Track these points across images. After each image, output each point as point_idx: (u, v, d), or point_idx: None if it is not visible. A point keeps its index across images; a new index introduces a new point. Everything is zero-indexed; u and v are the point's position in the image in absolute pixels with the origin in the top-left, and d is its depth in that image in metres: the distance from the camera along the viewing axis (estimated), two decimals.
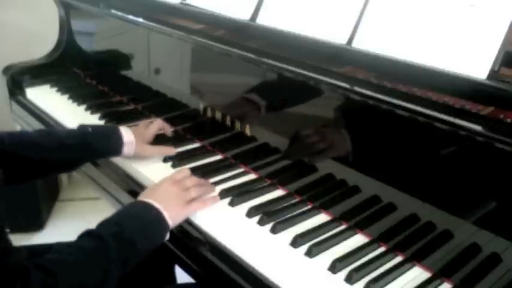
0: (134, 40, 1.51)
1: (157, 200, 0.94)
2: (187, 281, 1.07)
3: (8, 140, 1.03)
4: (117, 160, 1.21)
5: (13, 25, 2.17)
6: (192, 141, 1.30)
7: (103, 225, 0.87)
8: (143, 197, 0.96)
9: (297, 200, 1.05)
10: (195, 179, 1.04)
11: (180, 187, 0.99)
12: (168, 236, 0.93)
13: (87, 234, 0.85)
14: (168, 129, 1.30)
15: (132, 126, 1.23)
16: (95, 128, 1.16)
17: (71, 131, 1.17)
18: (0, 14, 2.14)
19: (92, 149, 1.11)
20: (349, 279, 0.83)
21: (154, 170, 1.16)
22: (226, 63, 1.20)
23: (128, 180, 1.17)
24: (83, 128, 1.14)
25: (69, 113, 1.49)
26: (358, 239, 0.94)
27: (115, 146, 1.14)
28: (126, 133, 1.15)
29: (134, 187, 1.14)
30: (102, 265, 0.81)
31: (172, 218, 0.93)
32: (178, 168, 1.15)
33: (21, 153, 1.02)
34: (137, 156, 1.18)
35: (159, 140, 1.25)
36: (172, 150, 1.21)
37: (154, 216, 0.91)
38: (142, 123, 1.28)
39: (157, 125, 1.26)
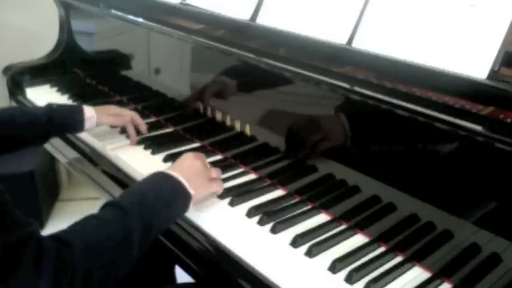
0: (134, 40, 1.51)
1: (180, 172, 0.93)
2: (187, 281, 1.07)
3: None
4: (116, 160, 1.21)
5: (13, 25, 2.16)
6: (192, 141, 1.30)
7: (124, 195, 0.87)
8: (167, 170, 0.95)
9: (297, 200, 1.05)
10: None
11: (203, 163, 1.00)
12: (191, 206, 0.93)
13: (108, 204, 0.83)
14: (143, 127, 1.31)
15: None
16: (60, 105, 1.26)
17: (39, 108, 1.27)
18: (0, 14, 2.14)
19: (56, 123, 1.20)
20: (349, 279, 0.83)
21: (154, 169, 1.15)
22: (226, 63, 1.20)
23: (129, 180, 1.17)
24: (49, 105, 1.23)
25: None
26: (358, 239, 0.94)
27: (76, 120, 1.22)
28: (88, 109, 1.25)
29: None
30: (123, 234, 0.78)
31: (195, 190, 0.93)
32: None
33: None
34: (105, 134, 1.29)
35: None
36: (124, 120, 1.28)
37: (176, 187, 0.91)
38: (111, 107, 1.32)
39: (127, 117, 1.29)
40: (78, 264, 0.70)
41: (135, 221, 0.80)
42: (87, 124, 1.24)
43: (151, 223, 0.82)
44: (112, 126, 1.32)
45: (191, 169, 0.97)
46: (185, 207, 0.92)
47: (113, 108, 1.30)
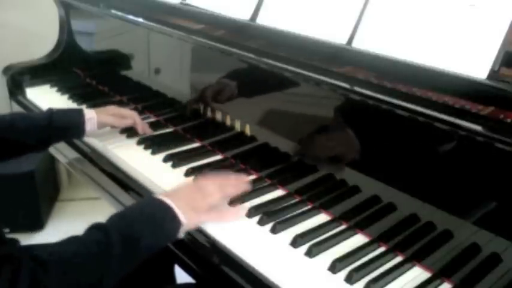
0: (134, 40, 1.52)
1: (174, 198, 0.91)
2: (187, 281, 1.07)
3: None
4: (116, 160, 1.21)
5: (13, 25, 2.16)
6: (192, 141, 1.30)
7: (111, 218, 0.86)
8: (161, 196, 0.93)
9: (297, 200, 1.05)
10: (217, 186, 0.98)
11: (201, 191, 0.96)
12: (181, 235, 0.90)
13: (94, 227, 0.83)
14: (148, 130, 1.32)
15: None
16: (60, 109, 1.25)
17: (41, 112, 1.28)
18: (0, 14, 2.14)
19: (56, 126, 1.19)
20: (349, 279, 0.83)
21: (153, 169, 1.16)
22: (226, 63, 1.20)
23: (128, 180, 1.17)
24: (49, 109, 1.23)
25: None
26: (358, 239, 0.94)
27: (77, 122, 1.22)
28: (88, 111, 1.25)
29: (133, 186, 1.14)
30: (101, 259, 0.78)
31: (187, 218, 0.89)
32: (180, 168, 1.16)
33: None
34: (107, 136, 1.28)
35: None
36: (125, 121, 1.29)
37: (165, 213, 0.88)
38: (116, 107, 1.32)
39: (130, 118, 1.30)
40: (52, 286, 0.71)
41: (116, 247, 0.79)
42: (88, 126, 1.23)
43: (134, 247, 0.82)
44: (113, 127, 1.32)
45: (185, 196, 0.93)
46: (174, 233, 0.89)
47: (113, 108, 1.30)
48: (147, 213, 0.88)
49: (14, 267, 0.68)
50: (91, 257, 0.78)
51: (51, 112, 1.21)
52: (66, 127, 1.22)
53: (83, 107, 1.50)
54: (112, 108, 1.30)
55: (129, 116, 1.30)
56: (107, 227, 0.82)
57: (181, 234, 0.90)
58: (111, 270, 0.79)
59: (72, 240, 0.80)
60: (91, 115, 1.24)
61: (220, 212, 0.98)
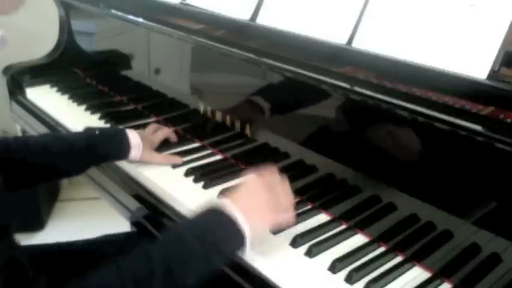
0: (134, 40, 1.51)
1: (242, 209, 0.76)
2: None
3: (14, 145, 1.00)
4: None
5: (13, 25, 2.16)
6: (192, 141, 1.30)
7: (160, 243, 0.75)
8: (228, 204, 0.77)
9: (297, 200, 1.05)
10: (286, 183, 0.87)
11: (272, 192, 0.82)
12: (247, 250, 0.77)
13: (142, 253, 0.72)
14: (174, 137, 1.28)
15: (138, 129, 1.20)
16: (101, 130, 1.13)
17: (77, 134, 1.13)
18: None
19: (98, 153, 1.08)
20: (349, 279, 0.83)
21: (153, 168, 1.16)
22: (226, 63, 1.20)
23: (129, 181, 1.17)
24: (89, 131, 1.11)
25: (69, 113, 1.49)
26: (358, 239, 0.94)
27: (121, 149, 1.10)
28: (133, 136, 1.12)
29: (133, 185, 1.15)
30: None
31: (253, 227, 0.77)
32: (180, 168, 1.15)
33: (28, 159, 0.99)
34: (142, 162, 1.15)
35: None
36: (179, 160, 1.17)
37: (229, 235, 0.75)
38: (149, 127, 1.26)
39: (164, 132, 1.25)
40: None
41: (159, 280, 0.69)
42: (132, 153, 1.10)
43: (179, 279, 0.71)
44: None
45: (255, 203, 0.79)
46: (235, 251, 0.77)
47: (156, 138, 1.20)
48: (200, 236, 0.75)
49: None
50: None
51: (91, 134, 1.09)
52: (109, 153, 1.10)
53: (83, 107, 1.51)
54: (157, 137, 1.21)
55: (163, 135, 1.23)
56: (150, 255, 0.71)
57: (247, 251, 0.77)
58: None
59: (109, 272, 0.70)
60: (137, 141, 1.11)
61: (290, 213, 0.86)
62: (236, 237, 0.76)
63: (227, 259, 0.78)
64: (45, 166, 1.02)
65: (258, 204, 0.80)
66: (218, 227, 0.76)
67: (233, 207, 0.77)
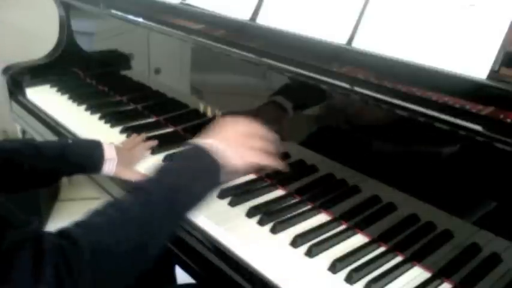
0: (134, 40, 1.51)
1: (210, 137, 0.83)
2: (187, 281, 1.07)
3: None
4: None
5: (13, 25, 2.16)
6: None
7: (149, 177, 0.79)
8: (202, 138, 0.84)
9: (297, 200, 1.05)
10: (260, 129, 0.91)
11: (242, 131, 0.89)
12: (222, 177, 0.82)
13: (132, 188, 0.77)
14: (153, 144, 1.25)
15: (118, 144, 1.17)
16: (75, 140, 1.11)
17: (51, 142, 1.10)
18: (0, 14, 2.14)
19: (69, 162, 1.04)
20: (349, 279, 0.83)
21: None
22: (226, 63, 1.20)
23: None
24: (62, 140, 1.09)
25: (69, 113, 1.49)
26: (358, 239, 0.94)
27: (94, 161, 1.06)
28: (109, 149, 1.08)
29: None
30: (144, 218, 0.71)
31: (227, 160, 0.82)
32: None
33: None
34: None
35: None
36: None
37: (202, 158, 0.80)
38: (127, 141, 1.24)
39: (146, 145, 1.23)
40: (86, 262, 0.64)
41: (159, 202, 0.73)
42: (106, 167, 1.07)
43: (175, 201, 0.76)
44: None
45: (229, 138, 0.85)
46: (215, 181, 0.82)
47: (134, 155, 1.17)
48: (185, 158, 0.82)
49: (35, 249, 0.60)
50: (132, 221, 0.70)
51: (64, 143, 1.07)
52: (81, 164, 1.06)
53: (83, 107, 1.51)
54: (135, 154, 1.18)
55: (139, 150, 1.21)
56: (144, 186, 0.76)
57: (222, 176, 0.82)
58: (156, 231, 0.72)
59: (107, 207, 0.73)
60: (111, 155, 1.07)
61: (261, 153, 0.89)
62: (207, 156, 0.81)
63: (209, 182, 0.82)
64: (15, 172, 0.95)
65: (226, 136, 0.86)
66: (189, 158, 0.82)
67: (200, 140, 0.84)
